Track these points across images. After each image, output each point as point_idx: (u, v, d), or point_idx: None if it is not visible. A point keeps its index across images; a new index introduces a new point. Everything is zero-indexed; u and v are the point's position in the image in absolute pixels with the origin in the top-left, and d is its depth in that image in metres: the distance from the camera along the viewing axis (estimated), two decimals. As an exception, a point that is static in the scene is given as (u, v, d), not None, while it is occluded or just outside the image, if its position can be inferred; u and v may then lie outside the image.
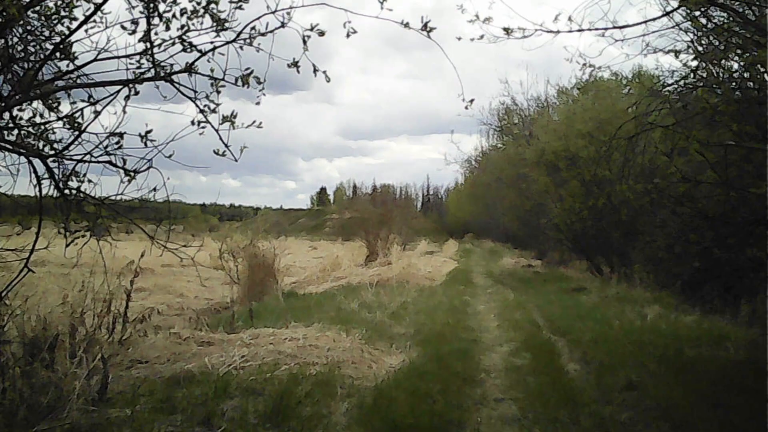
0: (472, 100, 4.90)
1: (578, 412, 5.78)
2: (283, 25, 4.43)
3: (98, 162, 4.57)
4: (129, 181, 4.69)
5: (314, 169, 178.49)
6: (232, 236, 19.12)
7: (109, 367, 6.68)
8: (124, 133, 4.60)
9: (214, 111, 4.47)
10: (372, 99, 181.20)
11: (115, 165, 4.57)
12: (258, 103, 4.66)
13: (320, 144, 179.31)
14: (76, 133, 4.65)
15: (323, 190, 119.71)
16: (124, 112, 4.67)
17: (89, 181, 4.75)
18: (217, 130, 4.51)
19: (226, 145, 4.55)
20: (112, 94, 4.51)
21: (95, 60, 4.45)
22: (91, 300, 7.42)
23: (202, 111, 4.47)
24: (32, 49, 4.84)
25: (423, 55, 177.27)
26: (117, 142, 4.53)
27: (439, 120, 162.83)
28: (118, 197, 5.00)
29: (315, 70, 4.52)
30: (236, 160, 4.57)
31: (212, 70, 4.61)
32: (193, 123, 4.51)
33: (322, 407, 5.71)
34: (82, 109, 4.78)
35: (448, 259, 32.69)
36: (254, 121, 4.57)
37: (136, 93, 4.67)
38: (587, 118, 20.54)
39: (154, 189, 4.99)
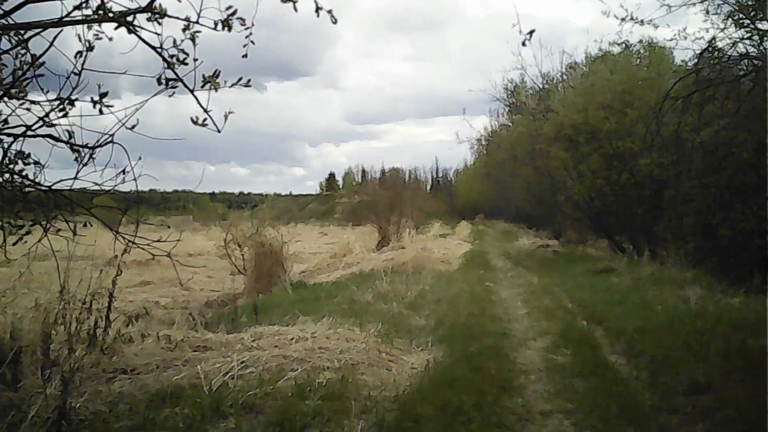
0: (532, 32, 3.87)
1: (643, 427, 4.77)
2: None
3: (36, 136, 3.56)
4: (81, 161, 3.69)
5: (322, 154, 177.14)
6: (237, 225, 18.16)
7: (87, 382, 5.75)
8: (75, 99, 3.59)
9: (184, 62, 3.45)
10: (377, 82, 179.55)
11: (57, 139, 3.56)
12: (244, 55, 3.62)
13: (327, 129, 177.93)
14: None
15: (332, 175, 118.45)
16: (77, 74, 3.65)
17: (36, 163, 3.74)
18: (192, 91, 3.50)
19: (206, 110, 3.54)
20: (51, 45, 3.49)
21: (28, 2, 3.43)
22: (69, 302, 6.43)
23: (169, 65, 3.45)
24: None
25: (426, 37, 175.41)
26: (62, 110, 3.52)
27: (445, 102, 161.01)
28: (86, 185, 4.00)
29: (317, 9, 3.48)
30: (219, 130, 3.58)
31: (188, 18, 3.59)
32: (160, 82, 3.49)
33: (333, 428, 4.72)
34: (24, 71, 3.74)
35: (462, 242, 31.76)
36: (240, 79, 3.56)
37: (90, 49, 3.66)
38: (607, 89, 19.48)
39: (123, 171, 3.99)
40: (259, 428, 4.57)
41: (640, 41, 22.31)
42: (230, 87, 3.55)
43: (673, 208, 18.85)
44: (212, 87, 3.57)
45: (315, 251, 29.26)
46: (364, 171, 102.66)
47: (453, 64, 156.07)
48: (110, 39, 3.59)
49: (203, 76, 3.58)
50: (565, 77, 27.91)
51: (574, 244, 26.88)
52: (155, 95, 3.62)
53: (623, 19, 10.43)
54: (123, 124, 3.74)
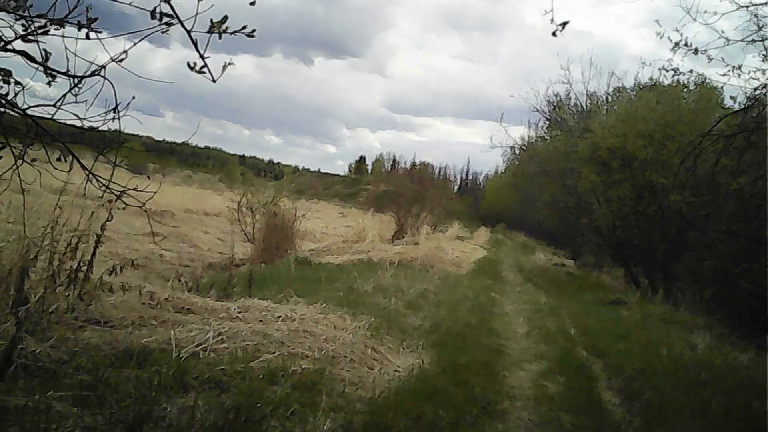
0: (564, 24, 3.51)
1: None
2: None
3: (8, 50, 3.23)
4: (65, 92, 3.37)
5: (357, 137, 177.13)
6: (253, 190, 17.91)
7: (56, 327, 5.48)
8: (63, 20, 3.25)
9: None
10: (423, 75, 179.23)
11: (32, 59, 3.24)
12: (252, 2, 3.30)
13: (366, 113, 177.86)
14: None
15: (362, 158, 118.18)
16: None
17: (17, 83, 3.41)
18: (189, 32, 3.17)
19: (202, 56, 3.22)
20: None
21: None
22: (56, 240, 6.14)
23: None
24: None
25: (480, 38, 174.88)
26: (42, 27, 3.19)
27: (487, 105, 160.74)
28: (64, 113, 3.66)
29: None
30: (213, 80, 3.26)
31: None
32: (154, 16, 3.16)
33: (296, 423, 4.40)
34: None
35: (478, 247, 31.38)
36: (243, 27, 3.23)
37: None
38: (650, 118, 18.99)
39: (115, 109, 3.67)
40: (217, 409, 4.25)
41: (691, 71, 21.90)
42: (231, 35, 3.23)
43: (696, 250, 18.39)
44: (214, 32, 3.24)
45: (329, 232, 29.01)
46: (395, 160, 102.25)
47: (502, 69, 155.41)
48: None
49: (211, 20, 3.25)
50: (610, 99, 27.48)
51: (589, 268, 26.43)
52: (148, 35, 3.28)
53: (677, 44, 9.98)
54: (113, 60, 3.41)
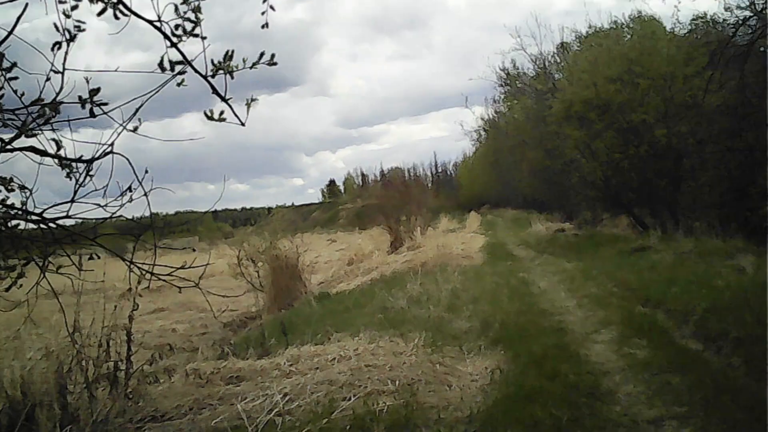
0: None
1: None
2: None
3: (14, 150, 2.80)
4: (77, 180, 2.96)
5: (319, 162, 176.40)
6: (248, 240, 17.43)
7: (113, 434, 5.03)
8: (60, 102, 2.84)
9: (192, 33, 2.71)
10: (366, 85, 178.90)
11: (42, 152, 2.81)
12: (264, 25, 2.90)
13: (321, 137, 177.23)
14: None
15: (332, 182, 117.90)
16: (59, 73, 2.90)
17: (22, 188, 2.98)
18: (205, 77, 2.77)
19: (224, 98, 2.82)
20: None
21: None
22: (83, 344, 5.69)
23: (173, 43, 2.71)
24: None
25: (410, 34, 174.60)
26: (41, 115, 2.77)
27: (435, 97, 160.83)
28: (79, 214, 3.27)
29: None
30: (242, 123, 2.86)
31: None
32: (163, 67, 2.74)
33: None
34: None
35: (475, 234, 31.00)
36: (262, 54, 2.83)
37: (71, 39, 2.92)
38: (613, 61, 18.80)
39: (129, 188, 3.27)
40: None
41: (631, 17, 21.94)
42: (251, 68, 2.82)
43: (696, 177, 18.18)
44: (225, 72, 2.84)
45: (327, 259, 28.53)
46: (363, 174, 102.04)
47: (439, 58, 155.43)
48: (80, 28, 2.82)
49: (212, 61, 2.85)
50: (559, 58, 27.37)
51: (590, 225, 26.14)
52: (162, 86, 2.87)
53: None
54: (124, 127, 3.00)
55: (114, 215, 3.21)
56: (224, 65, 2.86)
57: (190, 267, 3.53)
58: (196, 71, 2.75)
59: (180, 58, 2.77)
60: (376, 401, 5.16)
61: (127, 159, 3.06)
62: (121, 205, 3.31)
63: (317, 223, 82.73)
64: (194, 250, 4.27)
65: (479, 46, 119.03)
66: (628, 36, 21.92)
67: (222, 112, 2.86)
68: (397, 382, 5.68)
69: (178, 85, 2.78)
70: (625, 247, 15.24)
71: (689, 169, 18.50)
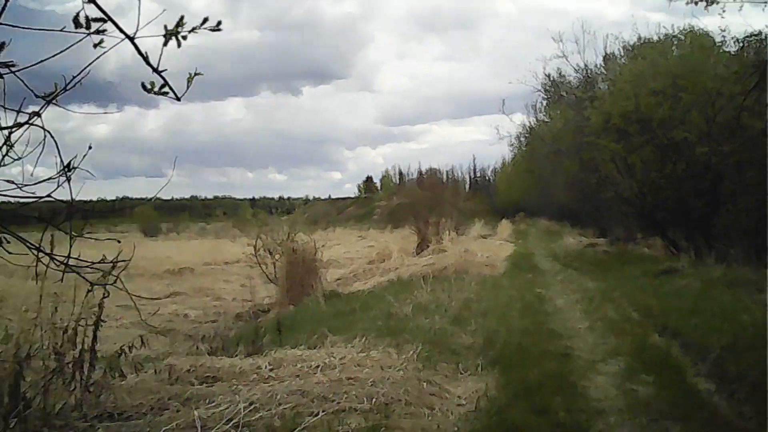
0: None
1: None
2: None
3: None
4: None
5: (359, 157, 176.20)
6: (267, 231, 17.11)
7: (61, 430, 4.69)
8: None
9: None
10: (411, 83, 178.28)
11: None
12: None
13: (363, 132, 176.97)
14: None
15: (369, 178, 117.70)
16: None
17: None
18: (130, 37, 2.37)
19: (156, 71, 2.42)
20: None
21: None
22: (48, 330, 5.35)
23: None
24: None
25: (459, 36, 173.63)
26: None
27: (480, 100, 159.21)
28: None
29: None
30: (178, 98, 2.46)
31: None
32: (78, 24, 2.33)
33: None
34: None
35: (505, 242, 30.57)
36: (205, 20, 2.43)
37: None
38: (658, 74, 18.10)
39: (66, 171, 2.90)
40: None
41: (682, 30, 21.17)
42: (190, 32, 2.43)
43: (735, 202, 17.48)
44: (169, 37, 2.44)
45: (353, 256, 28.25)
46: (401, 173, 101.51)
47: (486, 62, 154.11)
48: None
49: (165, 27, 2.45)
50: (604, 67, 26.63)
51: (622, 242, 25.44)
52: (74, 45, 2.46)
53: None
54: (48, 101, 2.62)
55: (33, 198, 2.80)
56: (170, 32, 2.46)
57: (109, 262, 3.10)
58: (120, 29, 2.35)
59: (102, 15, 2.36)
60: (343, 421, 4.74)
61: (49, 133, 2.68)
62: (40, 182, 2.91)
63: (352, 217, 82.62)
64: (119, 242, 3.83)
65: (527, 52, 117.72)
66: (676, 50, 21.22)
67: (163, 86, 2.47)
68: (374, 400, 5.26)
69: (95, 46, 2.39)
70: (652, 269, 14.62)
71: (728, 192, 17.80)
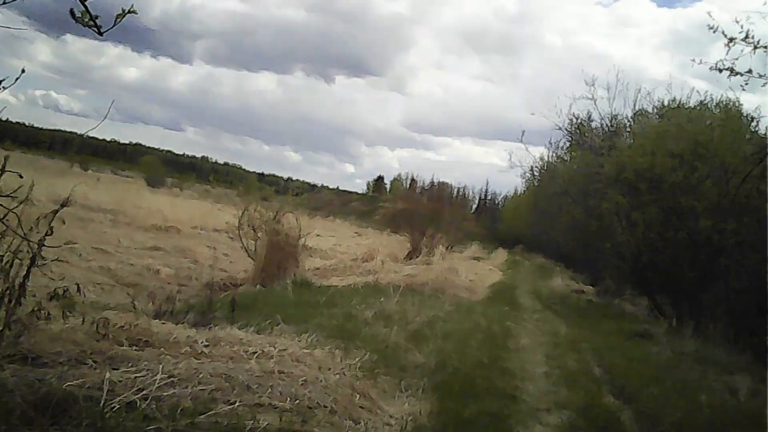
0: None
1: None
2: None
3: None
4: None
5: (375, 155, 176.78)
6: (256, 206, 16.89)
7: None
8: None
9: None
10: (443, 95, 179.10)
11: None
12: None
13: (385, 131, 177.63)
14: None
15: (380, 178, 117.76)
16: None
17: None
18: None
19: (88, 12, 2.20)
20: None
21: None
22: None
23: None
24: None
25: (500, 59, 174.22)
26: None
27: (506, 126, 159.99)
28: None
29: None
30: (100, 33, 2.23)
31: None
32: None
33: None
34: None
35: (495, 269, 30.29)
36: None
37: None
38: (680, 138, 17.83)
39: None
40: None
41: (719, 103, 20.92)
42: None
43: (727, 280, 17.19)
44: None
45: (341, 250, 27.99)
46: (413, 179, 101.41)
47: (522, 90, 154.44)
48: None
49: None
50: (636, 119, 26.37)
51: (611, 295, 25.15)
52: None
53: (731, 39, 9.19)
54: None
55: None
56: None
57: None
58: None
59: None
60: (257, 417, 4.50)
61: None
62: None
63: (354, 212, 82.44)
64: (21, 176, 3.61)
65: (563, 88, 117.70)
66: (705, 118, 20.94)
67: (83, 14, 2.24)
68: (297, 402, 5.01)
69: None
70: (628, 328, 14.37)
71: (723, 268, 17.51)
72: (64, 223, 5.32)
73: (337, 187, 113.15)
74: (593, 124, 28.45)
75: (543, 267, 40.11)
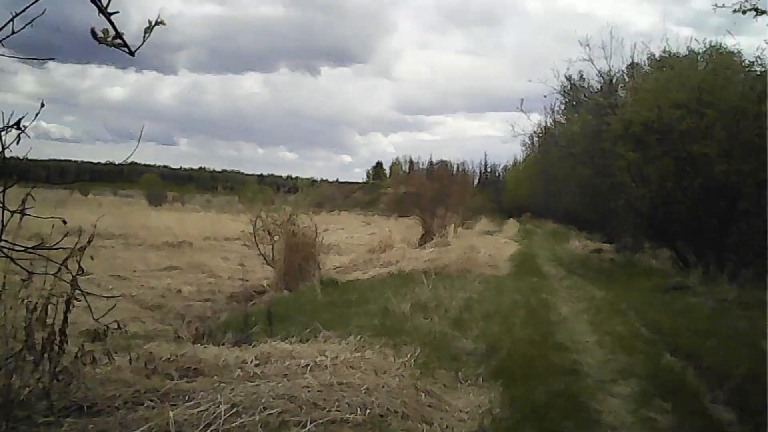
0: None
1: None
2: None
3: None
4: None
5: (370, 143, 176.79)
6: (267, 210, 16.64)
7: (23, 426, 4.26)
8: None
9: None
10: (430, 74, 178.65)
11: None
12: None
13: (377, 118, 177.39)
14: None
15: (379, 164, 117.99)
16: None
17: None
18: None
19: (104, 11, 1.97)
20: None
21: None
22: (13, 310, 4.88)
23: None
24: None
25: (483, 32, 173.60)
26: None
27: (497, 97, 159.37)
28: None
29: None
30: (131, 53, 2.00)
31: None
32: None
33: None
34: None
35: (509, 240, 30.01)
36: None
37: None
38: (684, 87, 17.56)
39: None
40: None
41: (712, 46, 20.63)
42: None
43: (747, 221, 16.97)
44: None
45: (355, 242, 27.83)
46: (411, 162, 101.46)
47: (508, 60, 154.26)
48: None
49: None
50: (627, 77, 26.16)
51: (629, 250, 24.92)
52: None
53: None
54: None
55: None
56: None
57: (49, 248, 2.65)
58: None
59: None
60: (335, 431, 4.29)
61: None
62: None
63: (358, 203, 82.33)
64: (64, 222, 3.37)
65: (550, 54, 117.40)
66: (704, 65, 20.66)
67: (115, 36, 2.01)
68: (368, 411, 4.80)
69: None
70: (661, 283, 14.13)
71: (743, 211, 17.27)
72: (92, 258, 5.11)
73: (337, 180, 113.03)
74: (591, 83, 28.24)
75: (556, 232, 39.89)
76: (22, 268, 2.72)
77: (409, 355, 6.41)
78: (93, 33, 1.97)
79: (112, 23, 1.96)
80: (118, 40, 1.99)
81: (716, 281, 13.67)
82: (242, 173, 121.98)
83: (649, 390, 6.08)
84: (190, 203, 66.95)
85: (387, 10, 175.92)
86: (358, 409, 4.78)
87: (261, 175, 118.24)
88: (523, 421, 4.95)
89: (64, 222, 3.31)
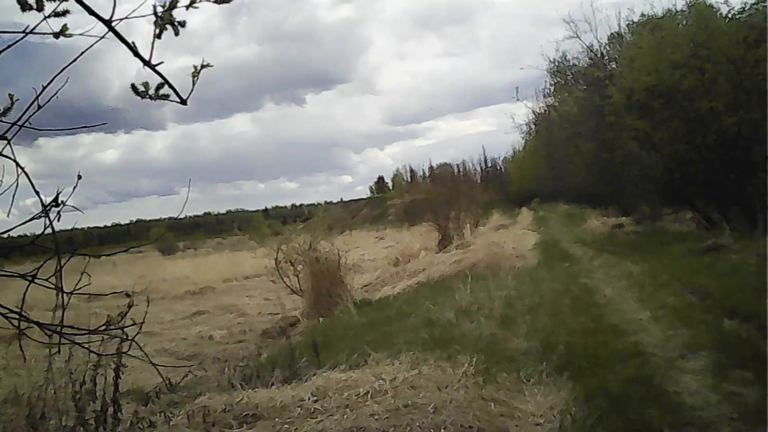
0: None
1: None
2: None
3: None
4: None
5: (367, 159, 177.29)
6: (287, 241, 16.48)
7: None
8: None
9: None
10: (413, 82, 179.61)
11: None
12: None
13: (369, 134, 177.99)
14: None
15: (381, 178, 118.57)
16: None
17: None
18: (109, 24, 1.73)
19: (149, 64, 1.77)
20: None
21: None
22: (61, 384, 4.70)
23: None
24: None
25: (456, 30, 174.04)
26: None
27: (482, 93, 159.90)
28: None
29: None
30: (184, 101, 1.80)
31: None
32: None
33: None
34: None
35: (527, 230, 29.76)
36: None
37: None
38: (680, 44, 17.34)
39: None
40: None
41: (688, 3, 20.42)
42: (189, 7, 1.81)
43: (764, 170, 16.69)
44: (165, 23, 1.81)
45: (374, 257, 27.64)
46: (412, 170, 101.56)
47: (486, 53, 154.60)
48: None
49: (153, 7, 1.84)
50: (610, 47, 26.06)
51: (650, 220, 24.64)
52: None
53: None
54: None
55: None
56: (162, 15, 1.82)
57: (114, 328, 2.46)
58: (89, 11, 1.72)
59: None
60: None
61: (17, 164, 2.05)
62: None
63: (366, 219, 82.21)
64: (128, 295, 3.17)
65: (526, 40, 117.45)
66: (685, 23, 20.47)
67: (161, 86, 1.83)
68: (441, 428, 4.58)
69: (57, 35, 1.76)
70: (695, 247, 13.76)
71: (759, 160, 16.99)
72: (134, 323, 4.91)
73: (341, 200, 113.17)
74: (578, 60, 28.09)
75: (570, 214, 39.61)
76: (89, 350, 2.52)
77: (466, 365, 6.17)
78: (134, 88, 1.80)
79: (159, 74, 1.78)
80: (166, 90, 1.81)
81: (750, 236, 13.38)
82: (247, 211, 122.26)
83: (723, 361, 5.80)
84: (201, 248, 67.08)
85: (359, 27, 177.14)
86: (432, 430, 4.56)
87: (266, 209, 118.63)
88: (605, 416, 4.68)
89: (128, 295, 3.10)
